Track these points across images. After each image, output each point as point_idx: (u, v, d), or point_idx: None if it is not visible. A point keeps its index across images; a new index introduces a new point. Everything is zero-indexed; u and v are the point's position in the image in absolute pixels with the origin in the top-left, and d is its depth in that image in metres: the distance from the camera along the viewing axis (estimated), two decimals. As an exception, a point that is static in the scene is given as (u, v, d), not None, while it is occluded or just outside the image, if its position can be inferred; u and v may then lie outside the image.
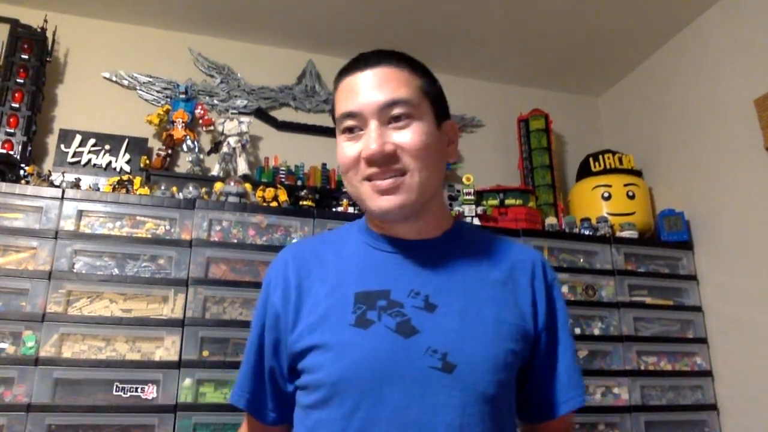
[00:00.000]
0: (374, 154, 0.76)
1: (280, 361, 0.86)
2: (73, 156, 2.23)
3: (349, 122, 0.80)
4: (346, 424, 0.75)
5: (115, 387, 1.69)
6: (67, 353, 1.70)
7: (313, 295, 0.83)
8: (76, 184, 1.98)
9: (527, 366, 0.86)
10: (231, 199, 2.01)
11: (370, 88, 0.79)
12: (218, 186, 2.08)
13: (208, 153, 2.44)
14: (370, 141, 0.77)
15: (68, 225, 1.80)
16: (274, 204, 2.09)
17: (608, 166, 2.58)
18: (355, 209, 2.21)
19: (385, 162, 0.77)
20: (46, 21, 2.28)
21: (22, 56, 2.18)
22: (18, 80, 2.15)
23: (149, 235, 1.88)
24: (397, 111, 0.78)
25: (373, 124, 0.78)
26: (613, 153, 2.63)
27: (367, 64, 0.81)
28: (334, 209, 2.22)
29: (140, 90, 2.47)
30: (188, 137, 2.37)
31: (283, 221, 2.01)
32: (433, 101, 0.83)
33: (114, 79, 2.45)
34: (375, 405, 0.74)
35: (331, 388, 0.76)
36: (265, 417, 0.89)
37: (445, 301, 0.80)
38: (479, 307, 0.81)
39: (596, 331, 2.17)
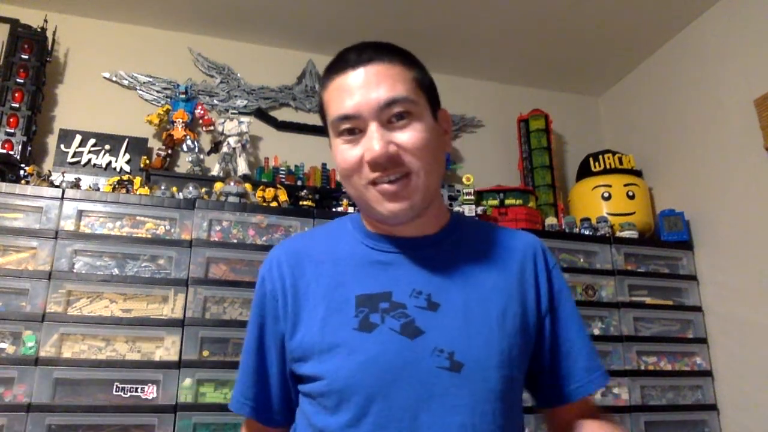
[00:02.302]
0: (378, 156, 0.73)
1: (285, 362, 0.84)
2: (73, 156, 2.23)
3: (347, 125, 0.76)
4: (354, 431, 0.73)
5: (115, 387, 1.69)
6: (67, 353, 1.70)
7: (310, 297, 0.80)
8: (76, 184, 1.98)
9: (537, 355, 0.84)
10: (231, 199, 2.01)
11: (365, 87, 0.75)
12: (218, 186, 2.08)
13: (208, 153, 2.44)
14: (372, 144, 0.73)
15: (68, 225, 1.80)
16: (274, 204, 2.09)
17: (608, 166, 2.58)
18: (355, 209, 2.21)
19: (389, 164, 0.74)
20: (46, 21, 2.28)
21: (22, 56, 2.18)
22: (18, 80, 2.14)
23: (149, 235, 1.88)
24: (396, 109, 0.74)
25: (373, 126, 0.74)
26: (613, 153, 2.63)
27: (358, 61, 0.76)
28: (334, 209, 2.22)
29: (140, 90, 2.47)
30: (188, 137, 2.37)
31: (283, 221, 2.01)
32: (427, 91, 0.80)
33: (114, 79, 2.45)
34: (383, 410, 0.72)
35: (337, 395, 0.74)
36: (271, 421, 0.86)
37: (448, 299, 0.78)
38: (481, 302, 0.79)
39: (596, 331, 2.17)
